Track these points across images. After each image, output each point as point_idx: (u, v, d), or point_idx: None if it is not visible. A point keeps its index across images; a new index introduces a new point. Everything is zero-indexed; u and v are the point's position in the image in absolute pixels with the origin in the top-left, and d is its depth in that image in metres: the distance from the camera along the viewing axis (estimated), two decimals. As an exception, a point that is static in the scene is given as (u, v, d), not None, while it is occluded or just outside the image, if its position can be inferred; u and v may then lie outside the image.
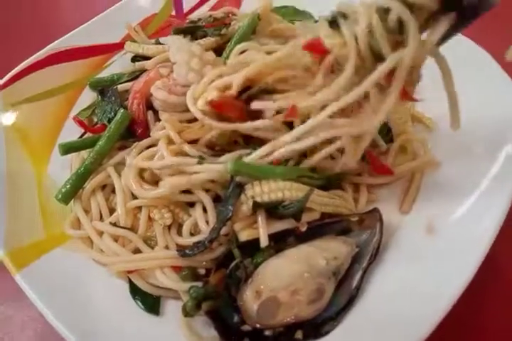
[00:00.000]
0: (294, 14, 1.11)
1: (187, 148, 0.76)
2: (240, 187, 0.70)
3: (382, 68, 0.61)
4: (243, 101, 0.77)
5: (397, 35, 0.61)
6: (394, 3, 0.59)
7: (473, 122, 0.79)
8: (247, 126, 0.73)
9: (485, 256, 0.66)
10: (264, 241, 0.68)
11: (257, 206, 0.69)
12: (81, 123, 0.87)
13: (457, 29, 0.62)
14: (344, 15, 0.64)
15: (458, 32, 0.63)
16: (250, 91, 0.74)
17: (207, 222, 0.74)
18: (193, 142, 0.79)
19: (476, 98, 0.81)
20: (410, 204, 0.79)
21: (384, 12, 0.60)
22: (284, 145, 0.69)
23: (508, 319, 0.76)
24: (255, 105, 0.71)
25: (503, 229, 0.68)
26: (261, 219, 0.69)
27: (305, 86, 0.69)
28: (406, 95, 0.67)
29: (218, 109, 0.73)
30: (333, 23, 0.65)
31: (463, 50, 0.89)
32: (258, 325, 0.64)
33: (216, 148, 0.79)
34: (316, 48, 0.66)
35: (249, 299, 0.65)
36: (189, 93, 0.78)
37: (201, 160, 0.75)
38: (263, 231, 0.68)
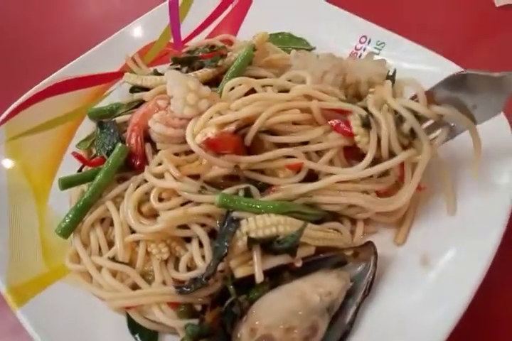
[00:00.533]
0: (289, 41, 1.12)
1: (188, 180, 0.78)
2: (236, 223, 0.72)
3: (394, 161, 0.78)
4: (241, 136, 0.79)
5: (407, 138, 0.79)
6: (409, 115, 0.77)
7: (467, 154, 0.81)
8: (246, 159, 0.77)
9: (478, 287, 0.66)
10: (259, 278, 0.69)
11: (252, 242, 0.70)
12: (80, 158, 0.89)
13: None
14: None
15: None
16: (247, 129, 0.77)
17: (203, 257, 0.75)
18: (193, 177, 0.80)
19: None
20: (405, 235, 0.80)
21: (400, 119, 0.78)
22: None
23: None
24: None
25: (498, 258, 0.69)
26: (256, 255, 0.70)
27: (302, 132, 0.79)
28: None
29: (214, 148, 0.75)
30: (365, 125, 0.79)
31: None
32: (252, 363, 0.65)
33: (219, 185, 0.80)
34: (343, 130, 0.80)
35: (244, 337, 0.66)
36: (188, 128, 0.80)
37: (202, 190, 0.76)
38: (258, 267, 0.69)
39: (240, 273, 0.70)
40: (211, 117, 0.80)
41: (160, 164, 0.82)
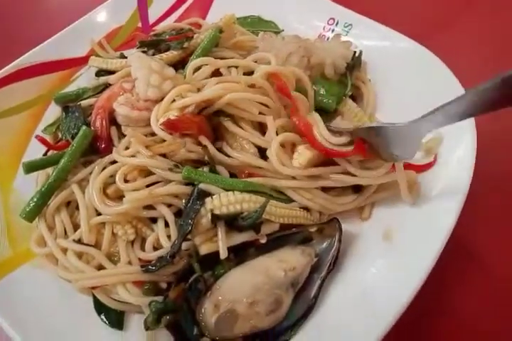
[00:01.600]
0: (258, 24, 1.12)
1: (159, 158, 0.77)
2: (201, 201, 0.72)
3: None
4: (204, 116, 0.79)
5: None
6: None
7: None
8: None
9: (436, 260, 0.68)
10: (223, 254, 0.69)
11: (216, 218, 0.70)
12: (44, 142, 0.88)
13: None
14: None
15: None
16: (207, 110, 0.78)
17: (169, 237, 0.75)
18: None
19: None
20: (370, 211, 0.81)
21: None
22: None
23: (460, 319, 0.78)
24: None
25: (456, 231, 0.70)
26: (220, 231, 0.71)
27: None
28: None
29: (175, 129, 0.75)
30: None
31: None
32: (217, 337, 0.65)
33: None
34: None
35: (208, 312, 0.66)
36: (153, 112, 0.80)
37: (174, 168, 0.77)
38: (222, 243, 0.70)
39: (204, 249, 0.70)
40: (174, 100, 0.80)
41: (128, 148, 0.82)
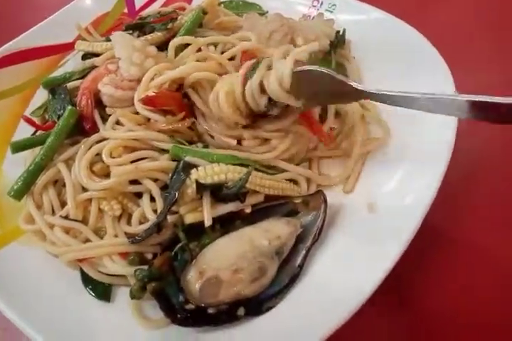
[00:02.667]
0: (243, 6, 1.13)
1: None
2: (186, 172, 0.73)
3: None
4: (181, 94, 0.80)
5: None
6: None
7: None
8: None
9: (415, 232, 0.68)
10: (207, 221, 0.70)
11: (201, 188, 0.71)
12: (30, 122, 0.89)
13: None
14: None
15: None
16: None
17: (155, 211, 0.76)
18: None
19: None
20: (353, 184, 0.82)
21: None
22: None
23: (437, 286, 0.78)
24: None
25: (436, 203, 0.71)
26: (205, 200, 0.71)
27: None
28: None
29: (154, 105, 0.76)
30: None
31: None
32: (202, 304, 0.66)
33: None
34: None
35: (193, 279, 0.67)
36: (136, 93, 0.81)
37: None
38: (207, 212, 0.70)
39: (189, 218, 0.71)
40: (152, 79, 0.81)
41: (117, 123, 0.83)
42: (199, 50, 0.88)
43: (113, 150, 0.79)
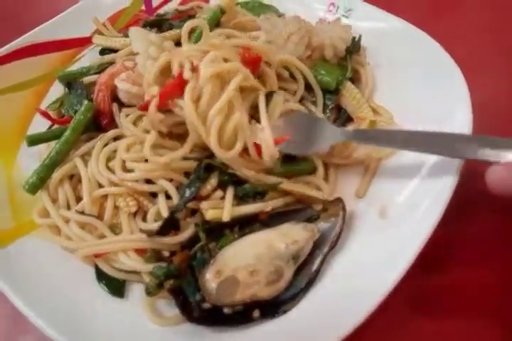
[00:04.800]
0: (259, 8, 1.13)
1: None
2: (208, 172, 0.74)
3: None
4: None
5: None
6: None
7: (424, 114, 0.84)
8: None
9: (428, 237, 0.69)
10: (226, 217, 0.71)
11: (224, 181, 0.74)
12: (46, 115, 0.89)
13: None
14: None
15: None
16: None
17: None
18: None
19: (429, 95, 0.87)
20: (365, 189, 0.83)
21: None
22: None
23: (448, 292, 0.79)
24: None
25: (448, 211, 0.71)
26: (228, 194, 0.73)
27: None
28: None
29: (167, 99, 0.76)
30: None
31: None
32: (218, 303, 0.67)
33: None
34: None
35: (210, 278, 0.68)
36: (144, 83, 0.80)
37: None
38: (227, 206, 0.72)
39: (210, 214, 0.72)
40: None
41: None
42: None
43: (131, 147, 0.80)
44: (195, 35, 0.91)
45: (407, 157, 0.83)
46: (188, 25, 0.82)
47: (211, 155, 0.75)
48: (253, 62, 0.78)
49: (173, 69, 0.76)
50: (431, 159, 0.80)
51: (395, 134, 0.78)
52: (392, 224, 0.75)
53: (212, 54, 0.74)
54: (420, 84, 0.91)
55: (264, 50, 0.81)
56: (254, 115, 0.79)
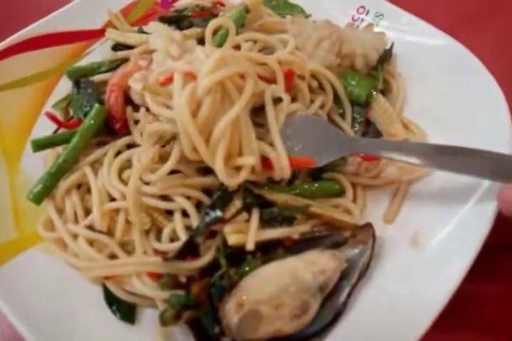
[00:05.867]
0: (284, 7, 1.06)
1: None
2: (232, 192, 0.68)
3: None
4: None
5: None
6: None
7: (462, 133, 0.79)
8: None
9: (466, 271, 0.65)
10: (250, 244, 0.66)
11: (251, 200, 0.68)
12: (54, 119, 0.82)
13: None
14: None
15: None
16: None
17: (188, 228, 0.71)
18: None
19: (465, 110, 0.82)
20: (395, 213, 0.78)
21: None
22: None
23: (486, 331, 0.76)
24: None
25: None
26: (254, 218, 0.68)
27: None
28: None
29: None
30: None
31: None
32: (238, 338, 0.62)
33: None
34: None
35: (231, 310, 0.63)
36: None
37: None
38: (252, 232, 0.67)
39: (233, 239, 0.66)
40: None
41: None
42: (237, 46, 0.81)
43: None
44: (218, 35, 0.84)
45: (441, 179, 0.78)
46: (213, 24, 0.74)
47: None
48: (286, 78, 0.73)
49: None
50: (468, 181, 0.75)
51: (425, 149, 0.71)
52: (425, 256, 0.70)
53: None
54: (455, 98, 0.85)
55: (296, 62, 0.76)
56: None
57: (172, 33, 0.78)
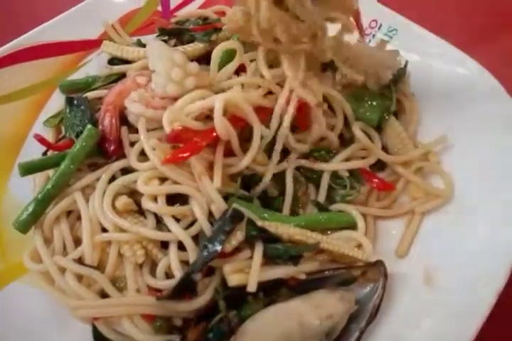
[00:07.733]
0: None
1: None
2: (233, 223, 0.63)
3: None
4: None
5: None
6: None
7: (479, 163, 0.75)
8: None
9: (486, 317, 0.60)
10: (251, 287, 0.60)
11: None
12: (43, 142, 0.76)
13: None
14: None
15: None
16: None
17: (185, 263, 0.65)
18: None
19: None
20: (407, 247, 0.73)
21: None
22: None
23: None
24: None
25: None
26: (257, 254, 0.63)
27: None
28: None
29: (178, 142, 0.67)
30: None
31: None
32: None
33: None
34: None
35: (231, 360, 0.58)
36: (165, 116, 0.69)
37: None
38: (254, 272, 0.61)
39: (234, 280, 0.61)
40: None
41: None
42: (241, 66, 0.77)
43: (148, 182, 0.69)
44: (223, 52, 0.79)
45: (457, 206, 0.75)
46: (220, 49, 0.75)
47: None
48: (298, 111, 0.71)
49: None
50: (484, 211, 0.70)
51: None
52: (440, 297, 0.66)
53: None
54: (471, 121, 0.81)
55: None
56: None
57: (173, 53, 0.73)
